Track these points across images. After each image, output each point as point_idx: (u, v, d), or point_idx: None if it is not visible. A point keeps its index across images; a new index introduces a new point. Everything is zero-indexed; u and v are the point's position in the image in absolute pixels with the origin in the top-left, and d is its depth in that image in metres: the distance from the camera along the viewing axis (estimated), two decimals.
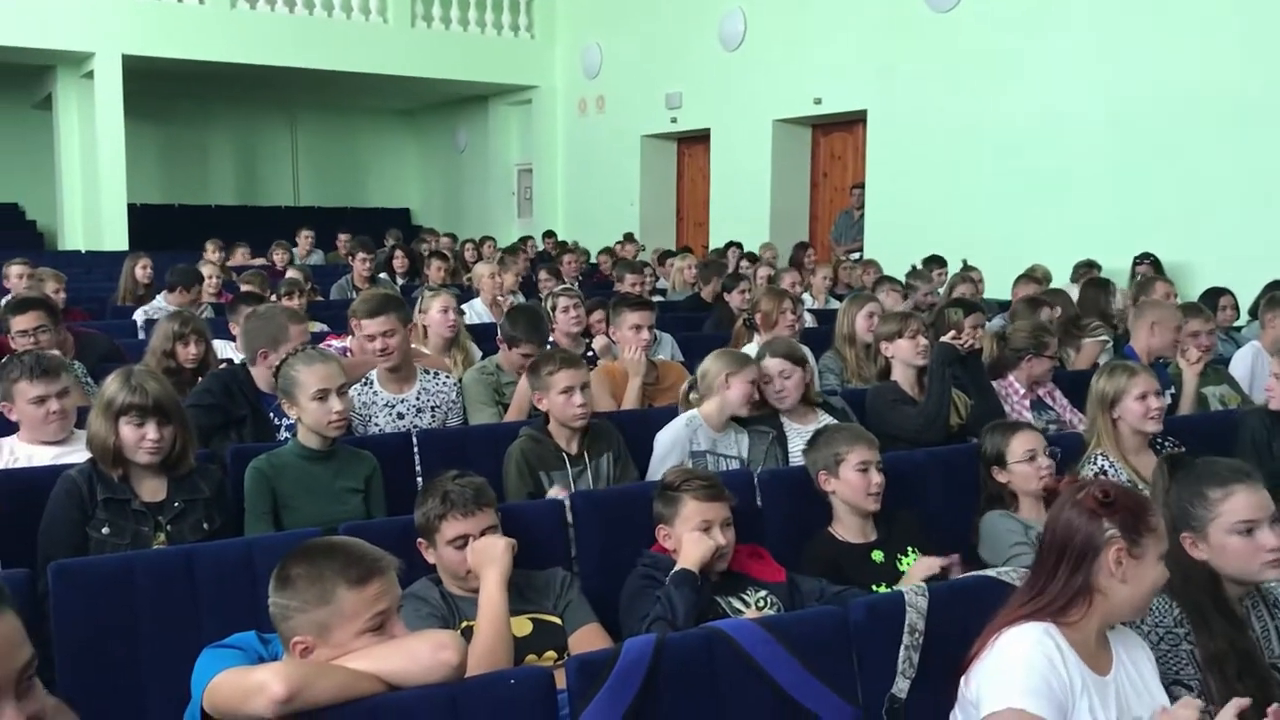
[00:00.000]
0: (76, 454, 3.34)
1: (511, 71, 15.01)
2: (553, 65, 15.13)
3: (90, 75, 12.71)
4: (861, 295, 5.74)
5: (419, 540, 2.79)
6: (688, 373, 4.59)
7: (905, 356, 4.52)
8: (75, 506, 2.98)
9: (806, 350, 4.41)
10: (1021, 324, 4.97)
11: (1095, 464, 3.65)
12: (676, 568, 2.79)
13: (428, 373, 4.38)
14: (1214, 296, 6.50)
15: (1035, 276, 7.57)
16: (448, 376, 4.46)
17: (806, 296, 7.85)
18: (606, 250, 11.43)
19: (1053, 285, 7.43)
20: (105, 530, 2.98)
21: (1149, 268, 7.78)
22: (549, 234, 13.73)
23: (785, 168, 12.07)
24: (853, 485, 3.22)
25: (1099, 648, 2.18)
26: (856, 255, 10.50)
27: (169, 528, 3.05)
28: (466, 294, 7.38)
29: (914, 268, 8.52)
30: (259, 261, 10.38)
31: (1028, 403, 4.66)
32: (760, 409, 4.04)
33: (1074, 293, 6.53)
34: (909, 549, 3.24)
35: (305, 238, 11.73)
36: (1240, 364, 5.45)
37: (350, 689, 1.91)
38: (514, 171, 16.27)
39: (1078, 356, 5.74)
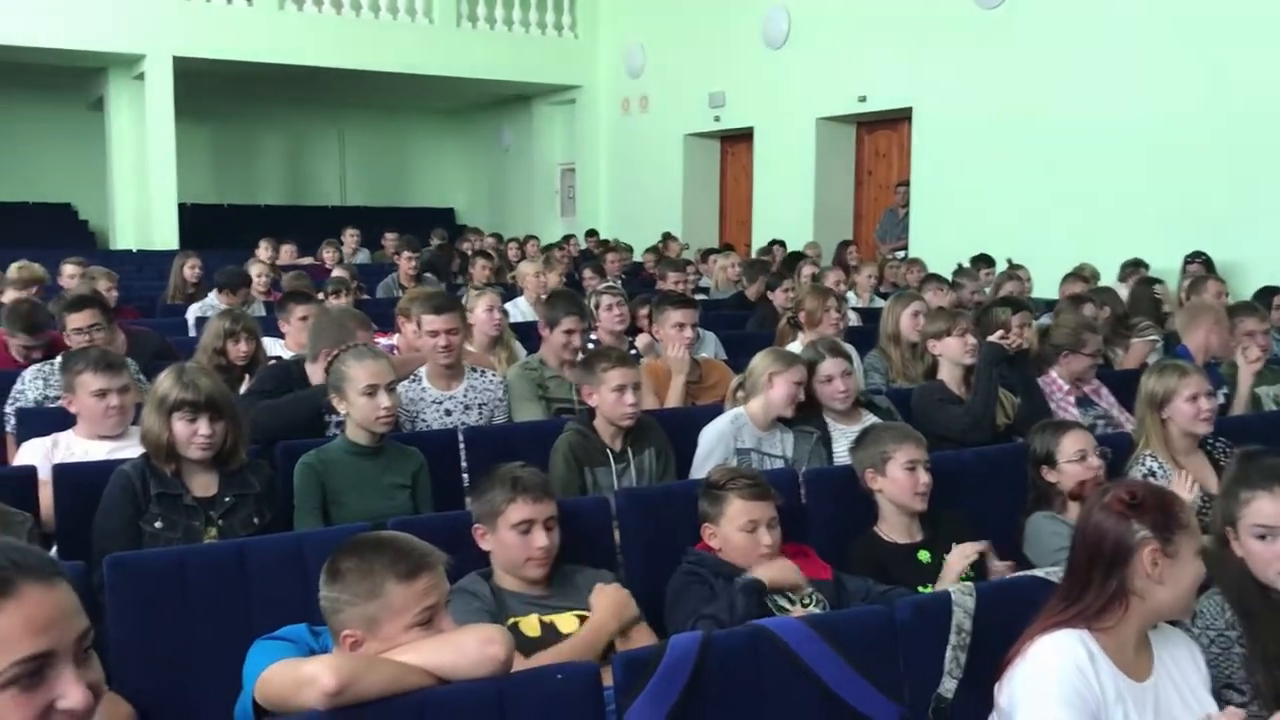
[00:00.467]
0: (131, 449, 3.40)
1: (555, 71, 15.07)
2: (596, 65, 15.17)
3: (141, 77, 12.91)
4: (906, 294, 5.71)
5: (476, 526, 2.79)
6: (731, 371, 4.58)
7: (953, 355, 4.49)
8: (129, 501, 3.03)
9: (851, 349, 4.40)
10: (1064, 320, 4.92)
11: (1144, 465, 3.61)
12: (750, 575, 2.77)
13: (475, 370, 4.41)
14: (1267, 296, 6.39)
15: (1083, 275, 7.48)
16: (494, 374, 4.49)
17: (850, 295, 7.81)
18: (652, 249, 11.44)
19: (1100, 284, 7.34)
20: (158, 524, 3.02)
21: (1200, 266, 7.66)
22: (591, 233, 13.77)
23: (829, 165, 12.02)
24: (900, 484, 3.20)
25: (1138, 652, 2.14)
26: (901, 253, 10.43)
27: (220, 522, 3.09)
28: (511, 293, 7.42)
29: (960, 266, 8.45)
30: (306, 260, 10.50)
31: (1072, 399, 4.60)
32: (806, 409, 4.02)
33: (1122, 291, 6.45)
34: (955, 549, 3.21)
35: (351, 236, 11.84)
36: None
37: (399, 682, 1.93)
38: (557, 171, 16.32)
39: (1126, 356, 5.67)
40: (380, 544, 2.07)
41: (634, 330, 5.57)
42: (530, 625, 2.63)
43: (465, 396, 4.29)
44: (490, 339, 5.14)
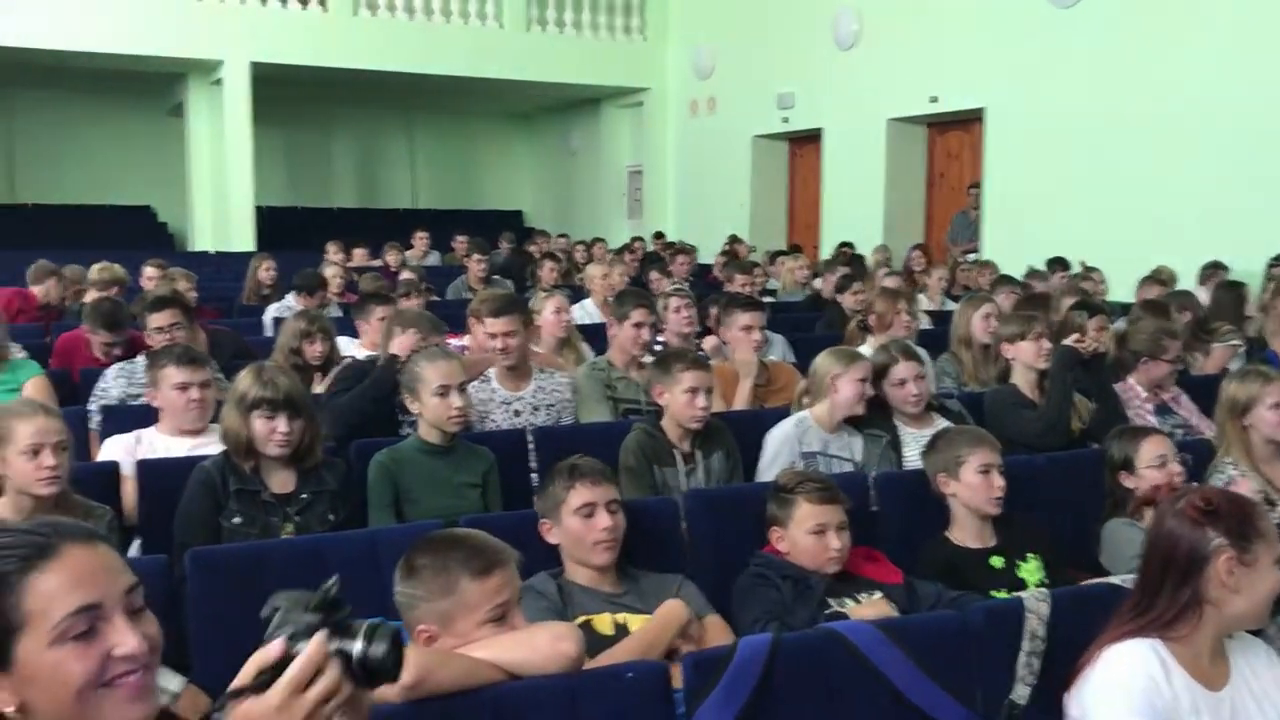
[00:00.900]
0: (210, 446, 3.47)
1: (623, 74, 15.11)
2: (664, 67, 15.18)
3: (219, 83, 13.19)
4: (978, 296, 5.64)
5: (542, 522, 2.81)
6: (799, 374, 4.56)
7: (1027, 359, 4.43)
8: (209, 496, 3.10)
9: (923, 351, 4.35)
10: (1143, 325, 4.82)
11: (1224, 473, 3.53)
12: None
13: (543, 371, 4.44)
14: None
15: (1160, 278, 7.34)
16: (562, 375, 4.52)
17: (922, 298, 7.73)
18: (724, 253, 11.41)
19: (1178, 287, 7.19)
20: (237, 520, 3.09)
21: None
22: (659, 235, 13.78)
23: (899, 167, 11.89)
24: (974, 488, 3.16)
25: (1213, 662, 2.09)
26: (973, 256, 10.30)
27: (297, 518, 3.15)
28: (578, 294, 7.46)
29: (1031, 269, 8.33)
30: (378, 263, 10.65)
31: (1150, 406, 4.51)
32: (875, 411, 3.99)
33: (1201, 295, 6.30)
34: (1028, 555, 3.17)
35: (420, 239, 11.99)
36: None
37: (472, 677, 1.95)
38: (625, 173, 16.36)
39: (1206, 361, 5.54)
40: (455, 541, 2.11)
41: (703, 333, 5.56)
42: (604, 624, 2.63)
43: (533, 397, 4.32)
44: (558, 340, 5.17)
